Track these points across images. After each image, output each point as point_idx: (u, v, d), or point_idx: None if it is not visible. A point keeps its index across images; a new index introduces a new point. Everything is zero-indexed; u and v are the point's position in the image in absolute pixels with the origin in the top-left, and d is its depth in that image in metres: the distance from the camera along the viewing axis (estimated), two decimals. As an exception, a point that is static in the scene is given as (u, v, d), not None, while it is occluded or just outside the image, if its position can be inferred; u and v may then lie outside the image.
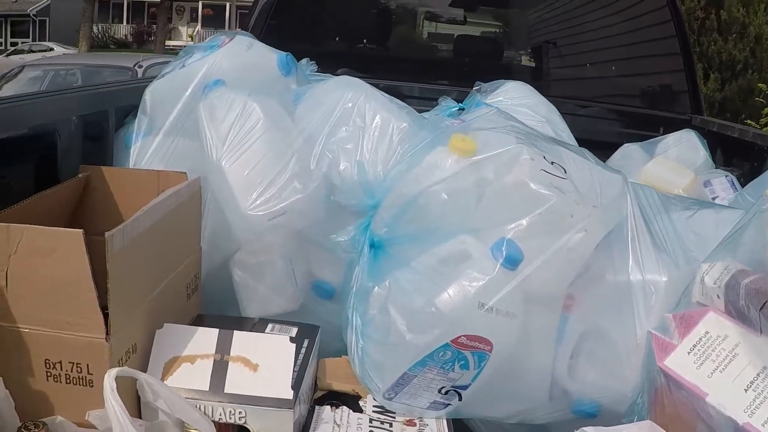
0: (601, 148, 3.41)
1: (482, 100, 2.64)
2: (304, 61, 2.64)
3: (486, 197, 1.88)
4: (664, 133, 3.60)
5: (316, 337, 2.00)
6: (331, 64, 3.34)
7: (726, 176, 3.16)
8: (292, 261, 2.14)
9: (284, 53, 2.51)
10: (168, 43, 31.11)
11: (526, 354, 1.87)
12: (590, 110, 4.16)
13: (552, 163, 1.89)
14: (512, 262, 1.77)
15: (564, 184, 1.86)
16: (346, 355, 2.11)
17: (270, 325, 2.02)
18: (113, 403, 1.45)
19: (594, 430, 1.62)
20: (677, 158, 3.33)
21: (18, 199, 1.89)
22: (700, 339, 1.71)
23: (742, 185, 2.94)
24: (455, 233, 1.86)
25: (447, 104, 2.42)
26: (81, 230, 1.54)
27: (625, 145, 3.43)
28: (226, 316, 2.14)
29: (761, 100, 10.10)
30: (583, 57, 4.69)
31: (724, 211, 2.13)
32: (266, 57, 2.50)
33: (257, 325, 2.03)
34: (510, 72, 4.86)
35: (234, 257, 2.12)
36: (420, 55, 5.06)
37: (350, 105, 2.21)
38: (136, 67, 9.48)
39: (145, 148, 2.40)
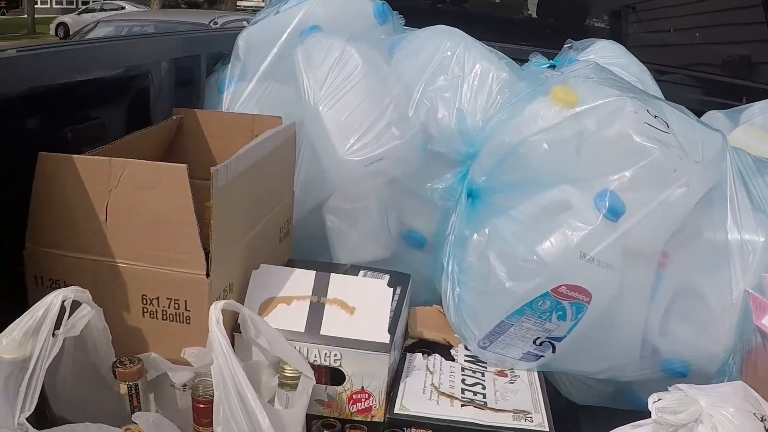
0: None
1: (575, 56, 2.62)
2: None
3: (587, 148, 1.86)
4: (746, 103, 3.56)
5: (408, 285, 2.00)
6: (411, 20, 3.33)
7: (812, 150, 3.12)
8: (387, 208, 2.15)
9: (380, 1, 2.51)
10: (239, 3, 30.98)
11: (620, 309, 1.85)
12: (672, 77, 4.11)
13: (655, 116, 1.87)
14: (615, 213, 1.76)
15: (667, 138, 1.84)
16: (437, 305, 2.13)
17: (362, 272, 2.02)
18: (218, 335, 1.40)
19: (687, 387, 1.61)
20: (762, 127, 3.28)
21: (111, 139, 1.91)
22: (800, 299, 1.71)
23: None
24: (556, 183, 1.85)
25: (538, 61, 2.40)
26: (185, 165, 1.54)
27: (709, 112, 3.38)
28: (318, 261, 2.13)
29: None
30: (666, 23, 4.63)
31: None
32: (362, 5, 2.51)
33: (349, 271, 2.03)
34: (592, 35, 4.81)
35: (327, 203, 2.13)
36: (501, 15, 5.01)
37: (449, 54, 2.20)
38: (211, 24, 9.51)
39: (239, 94, 2.42)
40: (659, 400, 1.57)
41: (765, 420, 1.62)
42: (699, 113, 3.26)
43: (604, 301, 1.80)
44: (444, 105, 2.13)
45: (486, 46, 2.29)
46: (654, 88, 2.78)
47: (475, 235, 1.92)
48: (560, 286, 1.76)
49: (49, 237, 1.64)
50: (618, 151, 1.84)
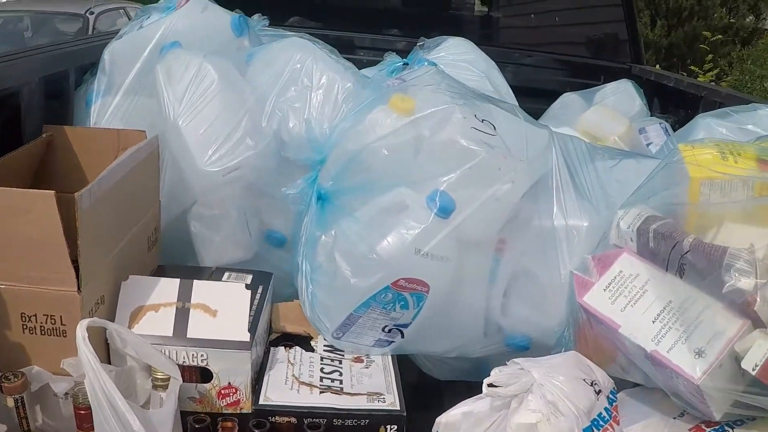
0: (546, 96, 3.58)
1: (424, 56, 2.78)
2: (255, 17, 2.73)
3: (422, 152, 2.03)
4: (604, 82, 3.75)
5: (269, 283, 2.15)
6: (284, 13, 3.43)
7: (660, 123, 3.32)
8: (246, 213, 2.28)
9: (237, 14, 2.62)
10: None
11: (461, 293, 2.04)
12: (536, 59, 4.30)
13: (482, 120, 2.05)
14: (445, 211, 1.94)
15: (493, 140, 2.02)
16: (297, 300, 2.27)
17: (226, 274, 2.16)
18: (85, 351, 1.56)
19: (523, 360, 1.78)
20: (614, 106, 3.48)
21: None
22: (615, 277, 1.90)
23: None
24: (394, 185, 2.01)
25: (392, 60, 2.55)
26: (53, 192, 1.64)
27: (565, 93, 3.58)
28: (185, 266, 2.27)
29: (705, 47, 10.38)
30: (530, 7, 4.81)
31: (645, 160, 2.29)
32: (220, 18, 2.61)
33: (215, 273, 2.17)
34: (459, 21, 4.96)
35: (191, 210, 2.25)
36: (371, 4, 5.09)
37: (299, 66, 2.33)
38: (87, 14, 9.32)
39: (105, 108, 2.50)
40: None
41: (595, 384, 1.81)
42: (559, 94, 3.47)
43: (442, 289, 1.99)
44: (294, 115, 2.27)
45: (334, 57, 2.43)
46: (500, 81, 2.96)
47: (323, 236, 2.06)
48: (399, 279, 1.94)
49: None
50: (448, 155, 2.01)
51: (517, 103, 2.91)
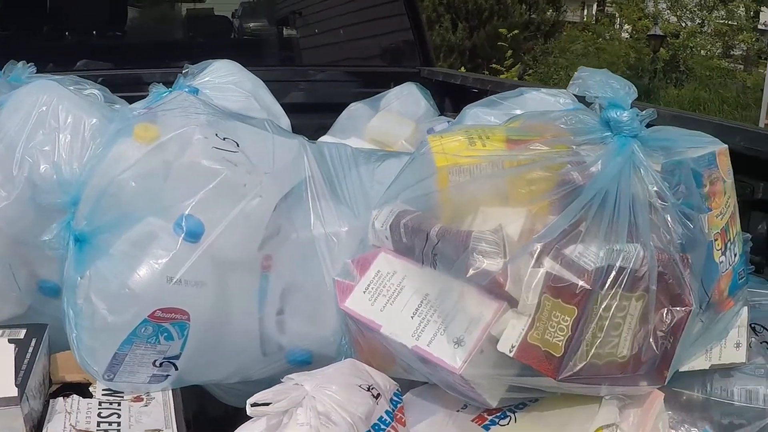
0: (341, 109, 3.63)
1: (186, 82, 2.78)
2: (20, 64, 2.68)
3: (170, 178, 2.02)
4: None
5: (43, 334, 2.09)
6: (70, 58, 3.38)
7: (448, 121, 3.40)
8: (11, 266, 2.22)
9: None
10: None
11: (230, 316, 2.03)
12: (329, 74, 4.37)
13: (224, 138, 2.05)
14: (193, 234, 1.93)
15: (235, 157, 2.03)
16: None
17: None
18: None
19: (297, 375, 1.78)
20: (400, 111, 3.55)
21: None
22: (373, 278, 1.92)
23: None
24: (144, 216, 1.99)
25: (158, 90, 2.54)
26: None
27: (351, 104, 3.63)
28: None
29: (505, 44, 10.74)
30: (322, 25, 4.89)
31: (406, 157, 2.33)
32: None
33: (-15, 334, 2.09)
34: (253, 45, 5.00)
35: (-43, 272, 2.19)
36: (157, 38, 5.08)
37: (45, 108, 2.26)
38: None
39: None
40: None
41: (373, 388, 1.82)
42: (344, 106, 3.52)
43: (204, 315, 1.98)
44: (44, 159, 2.19)
45: (80, 94, 2.39)
46: (270, 101, 2.98)
47: (80, 279, 2.01)
48: (155, 311, 1.91)
49: None
50: (192, 177, 2.01)
51: (288, 119, 2.97)
